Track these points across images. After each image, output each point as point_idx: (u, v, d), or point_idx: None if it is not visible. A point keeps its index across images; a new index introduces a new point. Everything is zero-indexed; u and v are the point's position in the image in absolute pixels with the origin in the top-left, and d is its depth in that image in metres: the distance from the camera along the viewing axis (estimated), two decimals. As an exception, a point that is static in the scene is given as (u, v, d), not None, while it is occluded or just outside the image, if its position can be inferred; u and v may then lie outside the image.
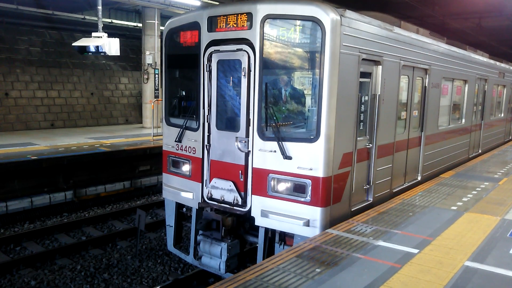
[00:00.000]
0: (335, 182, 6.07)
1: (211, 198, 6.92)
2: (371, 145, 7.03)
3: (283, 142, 6.08)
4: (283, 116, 6.32)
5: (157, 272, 8.60)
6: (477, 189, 8.59)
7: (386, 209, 6.94)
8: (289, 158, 6.04)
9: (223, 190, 6.74)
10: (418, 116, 8.98)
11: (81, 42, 12.77)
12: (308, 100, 6.20)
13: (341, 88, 5.91)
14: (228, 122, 6.79)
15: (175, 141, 7.38)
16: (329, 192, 5.98)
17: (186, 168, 7.33)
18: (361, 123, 6.82)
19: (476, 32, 19.53)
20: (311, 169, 5.91)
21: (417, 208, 7.08)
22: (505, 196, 8.03)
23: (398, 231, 5.92)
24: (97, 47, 12.57)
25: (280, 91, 6.37)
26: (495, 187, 8.81)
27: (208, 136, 6.92)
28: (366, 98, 6.88)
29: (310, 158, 5.92)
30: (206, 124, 6.91)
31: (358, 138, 6.57)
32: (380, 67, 6.96)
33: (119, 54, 13.54)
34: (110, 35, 13.05)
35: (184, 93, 7.63)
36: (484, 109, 13.59)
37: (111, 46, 12.79)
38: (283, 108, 6.37)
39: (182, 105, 7.62)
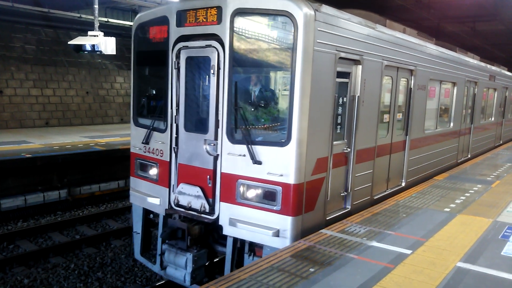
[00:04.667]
0: (308, 189, 5.69)
1: (178, 205, 6.51)
2: (349, 149, 6.61)
3: (252, 146, 5.69)
4: (254, 118, 5.92)
5: (150, 271, 8.60)
6: (470, 191, 8.66)
7: (380, 210, 6.99)
8: (259, 163, 5.65)
9: (190, 196, 6.33)
10: (402, 119, 8.60)
11: (77, 41, 12.75)
12: (280, 101, 5.89)
13: (315, 88, 5.55)
14: (197, 123, 6.41)
15: (142, 142, 6.97)
16: (301, 200, 5.60)
17: (153, 171, 6.91)
18: (338, 126, 6.45)
19: (471, 35, 19.68)
20: (281, 175, 5.51)
21: (410, 209, 7.14)
22: (498, 199, 8.10)
23: (391, 232, 5.96)
24: (93, 46, 12.55)
25: (251, 90, 5.98)
26: (487, 189, 8.89)
27: (176, 138, 6.52)
28: (344, 99, 6.50)
29: (280, 164, 5.53)
30: (174, 125, 6.51)
31: (334, 142, 6.19)
32: (360, 67, 6.57)
33: (115, 53, 13.53)
34: (106, 34, 13.03)
35: (152, 92, 7.26)
36: (474, 113, 13.27)
37: (107, 45, 12.78)
38: (254, 109, 5.97)
39: (150, 105, 7.25)
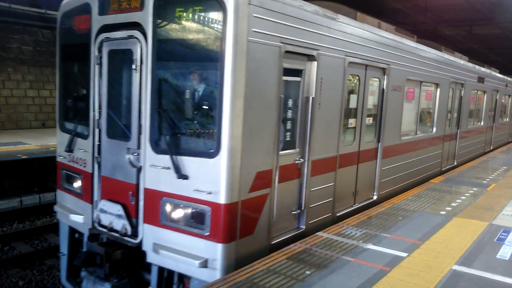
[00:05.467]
0: (245, 209, 4.79)
1: (100, 224, 5.63)
2: (302, 160, 5.74)
3: (177, 157, 4.79)
4: (179, 123, 5.04)
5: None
6: (466, 194, 8.69)
7: (375, 213, 7.00)
8: (185, 177, 4.75)
9: (111, 215, 5.45)
10: (373, 124, 7.68)
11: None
12: (209, 103, 4.89)
13: (252, 87, 4.66)
14: (120, 128, 5.52)
15: (66, 150, 6.10)
16: (235, 223, 4.70)
17: (77, 184, 6.02)
18: (288, 133, 5.67)
19: (467, 39, 19.79)
20: (210, 193, 4.61)
21: (406, 212, 7.15)
22: (493, 202, 8.13)
23: (387, 235, 5.97)
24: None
25: (176, 89, 5.11)
26: (483, 192, 8.92)
27: (99, 146, 5.64)
28: (295, 101, 5.68)
29: (209, 179, 4.63)
30: (97, 130, 5.63)
31: (281, 152, 5.35)
32: (315, 64, 5.69)
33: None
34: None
35: (77, 92, 6.36)
36: (461, 117, 12.42)
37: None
38: (179, 112, 5.14)
39: (76, 107, 6.36)
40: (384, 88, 7.73)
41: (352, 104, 7.05)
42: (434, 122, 10.52)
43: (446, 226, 6.49)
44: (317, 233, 5.92)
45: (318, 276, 4.59)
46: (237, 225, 4.73)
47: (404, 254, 5.30)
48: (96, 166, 5.69)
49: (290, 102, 5.64)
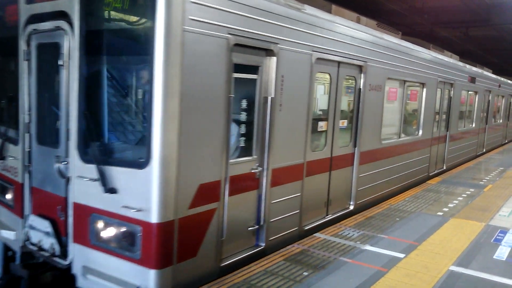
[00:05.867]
0: (184, 228, 4.11)
1: (31, 242, 4.92)
2: (260, 168, 5.09)
3: (104, 167, 4.09)
4: (107, 127, 4.40)
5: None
6: (463, 195, 8.72)
7: (373, 214, 7.01)
8: (113, 191, 4.08)
9: (40, 232, 4.76)
10: (349, 127, 7.00)
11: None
12: (139, 103, 4.33)
13: (191, 85, 4.01)
14: (50, 133, 4.88)
15: None
16: (170, 245, 4.03)
17: (9, 195, 5.38)
18: (243, 138, 5.05)
19: (463, 41, 19.86)
20: (140, 210, 3.94)
21: (403, 213, 7.16)
22: (490, 203, 8.16)
23: (385, 236, 5.98)
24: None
25: (105, 89, 4.44)
26: (480, 193, 8.95)
27: (29, 153, 4.98)
28: (251, 102, 5.04)
29: (139, 193, 3.97)
30: (27, 135, 4.97)
31: (233, 160, 4.71)
32: (274, 59, 5.02)
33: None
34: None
35: (7, 92, 5.76)
36: (450, 119, 11.67)
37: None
38: (108, 114, 4.45)
39: (6, 108, 5.82)
40: (361, 87, 7.01)
41: (323, 105, 6.49)
42: (420, 125, 9.80)
43: (443, 227, 6.50)
44: (314, 234, 5.92)
45: (315, 277, 4.59)
46: (174, 247, 4.05)
47: (401, 255, 5.31)
48: (27, 175, 5.00)
49: (244, 103, 5.06)
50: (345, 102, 7.00)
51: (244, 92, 5.02)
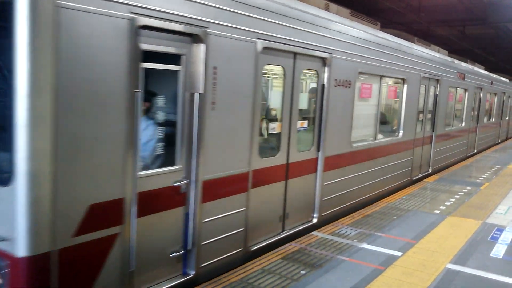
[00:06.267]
0: (68, 261, 3.26)
1: None
2: (187, 181, 4.19)
3: None
4: None
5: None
6: (460, 193, 8.74)
7: (370, 212, 7.01)
8: None
9: None
10: (310, 129, 6.15)
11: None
12: (2, 101, 3.22)
13: (73, 78, 3.16)
14: None
15: None
16: (47, 284, 3.16)
17: None
18: (161, 144, 4.24)
19: (460, 39, 19.90)
20: (4, 240, 3.09)
21: (401, 211, 7.17)
22: (487, 201, 8.18)
23: (382, 234, 5.98)
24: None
25: None
26: (477, 191, 8.97)
27: None
28: (172, 99, 4.19)
29: (2, 217, 3.15)
30: None
31: (145, 172, 3.83)
32: (202, 47, 4.12)
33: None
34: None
35: None
36: (436, 118, 10.76)
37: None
38: None
39: None
40: (325, 83, 6.11)
41: (275, 103, 5.63)
42: (401, 125, 8.91)
43: (440, 225, 6.51)
44: (311, 233, 5.92)
45: (313, 275, 4.58)
46: (54, 285, 3.19)
47: (398, 253, 5.31)
48: None
49: (161, 101, 4.30)
50: (305, 100, 6.10)
51: (158, 87, 4.27)
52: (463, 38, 19.12)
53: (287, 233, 5.74)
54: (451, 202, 7.95)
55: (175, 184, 4.08)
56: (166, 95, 4.28)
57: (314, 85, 6.19)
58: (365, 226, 6.31)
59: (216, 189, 4.50)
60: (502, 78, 19.64)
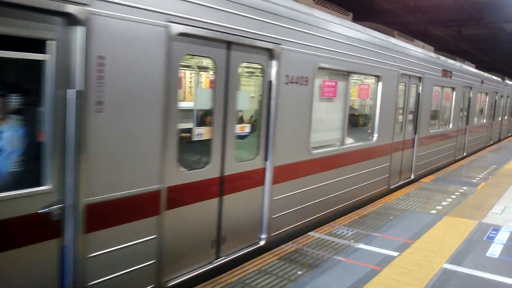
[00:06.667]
0: None
1: None
2: (61, 205, 3.23)
3: None
4: None
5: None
6: (456, 193, 8.76)
7: (367, 213, 7.02)
8: None
9: None
10: (255, 135, 5.17)
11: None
12: None
13: None
14: None
15: None
16: None
17: None
18: (22, 158, 3.22)
19: (456, 39, 19.98)
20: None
21: (397, 211, 7.19)
22: (483, 201, 8.21)
23: (378, 234, 5.99)
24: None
25: None
26: (473, 191, 9.00)
27: None
28: (34, 99, 3.16)
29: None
30: None
31: None
32: (79, 30, 3.19)
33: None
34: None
35: None
36: (419, 119, 9.82)
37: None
38: None
39: None
40: (273, 79, 5.13)
41: (202, 103, 4.63)
42: (375, 128, 7.92)
43: (436, 225, 6.53)
44: (308, 233, 5.92)
45: (310, 276, 4.59)
46: None
47: (395, 254, 5.32)
48: None
49: (22, 101, 3.29)
50: (246, 100, 5.10)
51: (17, 83, 3.42)
52: (459, 38, 19.19)
53: (224, 260, 4.77)
54: (448, 202, 7.98)
55: (42, 211, 3.11)
56: (26, 93, 3.29)
57: (257, 82, 5.25)
58: (362, 226, 6.32)
59: (108, 215, 3.52)
60: (494, 77, 18.61)
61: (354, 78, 7.26)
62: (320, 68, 5.96)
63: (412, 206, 7.56)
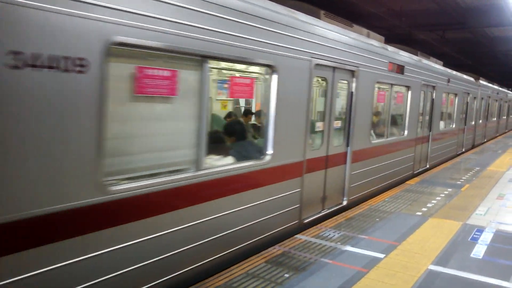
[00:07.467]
0: None
1: None
2: None
3: None
4: None
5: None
6: (441, 195, 8.86)
7: (353, 215, 7.06)
8: None
9: None
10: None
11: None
12: None
13: None
14: None
15: None
16: None
17: None
18: None
19: (440, 43, 20.27)
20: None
21: (383, 213, 7.24)
22: (467, 202, 8.32)
23: (365, 236, 6.03)
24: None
25: None
26: (457, 193, 9.11)
27: None
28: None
29: None
30: None
31: None
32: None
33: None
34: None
35: None
36: (353, 127, 7.49)
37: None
38: None
39: None
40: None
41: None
42: (269, 142, 5.44)
43: (422, 227, 6.60)
44: (295, 236, 5.93)
45: (297, 279, 4.59)
46: None
47: (381, 255, 5.36)
48: None
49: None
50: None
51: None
52: (443, 42, 19.47)
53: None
54: (433, 204, 8.06)
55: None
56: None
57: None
58: (348, 228, 6.35)
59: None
60: (465, 76, 16.26)
61: (223, 66, 5.87)
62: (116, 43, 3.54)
63: (398, 208, 7.62)
